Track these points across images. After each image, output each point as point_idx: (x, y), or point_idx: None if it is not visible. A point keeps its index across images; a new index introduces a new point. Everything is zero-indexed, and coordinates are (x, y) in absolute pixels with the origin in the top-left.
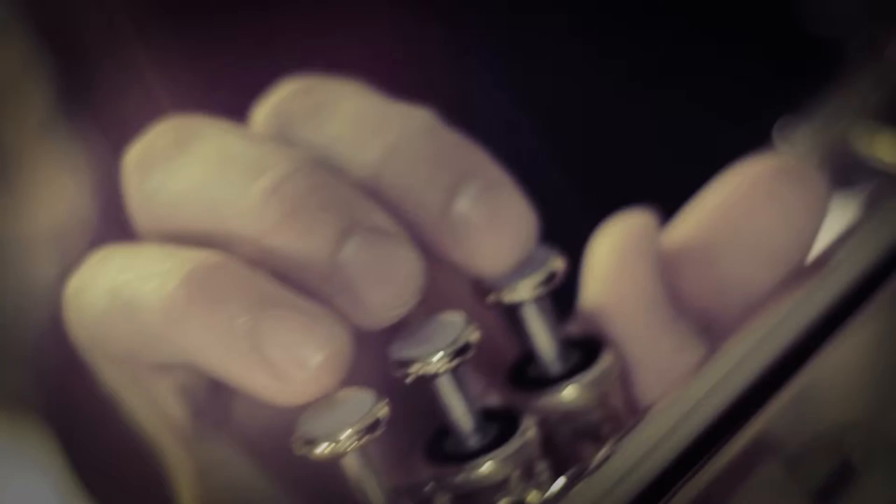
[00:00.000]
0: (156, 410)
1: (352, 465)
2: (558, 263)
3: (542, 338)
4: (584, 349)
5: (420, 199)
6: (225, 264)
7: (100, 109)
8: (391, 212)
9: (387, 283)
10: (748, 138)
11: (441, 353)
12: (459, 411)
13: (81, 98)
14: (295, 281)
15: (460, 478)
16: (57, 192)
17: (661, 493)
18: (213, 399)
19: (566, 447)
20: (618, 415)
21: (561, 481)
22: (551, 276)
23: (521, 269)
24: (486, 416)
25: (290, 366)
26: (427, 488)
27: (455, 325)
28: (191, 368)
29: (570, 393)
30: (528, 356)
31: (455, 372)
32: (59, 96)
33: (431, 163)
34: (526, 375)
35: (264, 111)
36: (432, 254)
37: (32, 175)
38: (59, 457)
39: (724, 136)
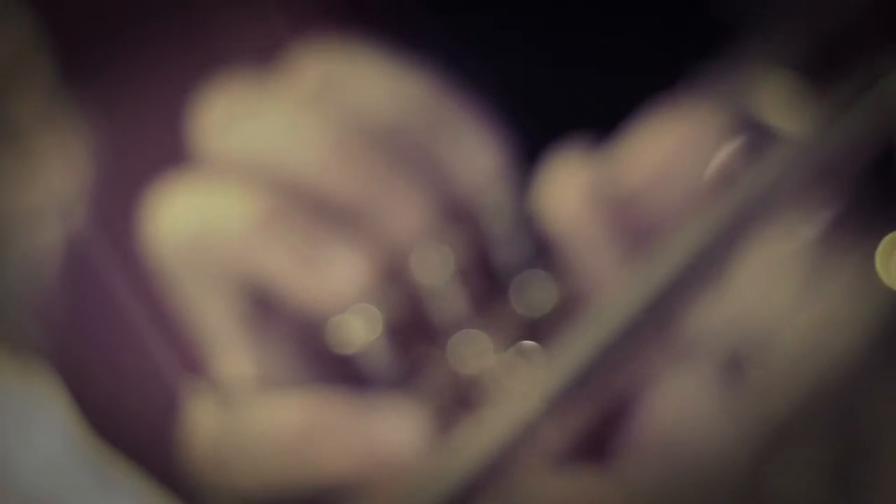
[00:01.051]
0: (218, 317)
1: (375, 349)
2: None
3: None
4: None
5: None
6: (286, 203)
7: (102, 81)
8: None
9: (411, 214)
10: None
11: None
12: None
13: (84, 70)
14: (340, 212)
15: (449, 348)
16: (61, 161)
17: None
18: (266, 310)
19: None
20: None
21: None
22: None
23: None
24: None
25: (330, 281)
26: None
27: None
28: (259, 284)
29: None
30: None
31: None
32: (63, 68)
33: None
34: None
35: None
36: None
37: (38, 145)
38: (68, 403)
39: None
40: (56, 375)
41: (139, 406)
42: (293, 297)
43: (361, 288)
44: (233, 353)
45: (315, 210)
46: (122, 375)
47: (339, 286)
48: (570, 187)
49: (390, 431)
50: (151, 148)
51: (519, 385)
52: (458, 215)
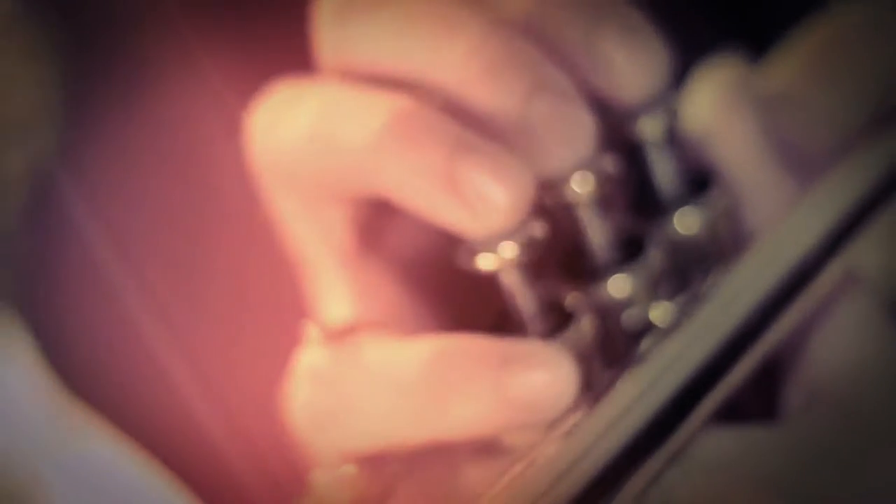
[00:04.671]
0: (324, 236)
1: (508, 278)
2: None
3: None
4: (695, 184)
5: (565, 35)
6: (423, 109)
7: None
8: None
9: (567, 140)
10: None
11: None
12: (598, 236)
13: None
14: (484, 130)
15: (597, 292)
16: (25, 83)
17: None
18: (379, 225)
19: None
20: (728, 245)
21: (682, 299)
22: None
23: None
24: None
25: (480, 203)
26: (568, 303)
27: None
28: (378, 199)
29: (687, 220)
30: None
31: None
32: None
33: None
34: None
35: None
36: None
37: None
38: (36, 350)
39: None
40: (23, 322)
41: (109, 354)
42: (429, 220)
43: (507, 217)
44: (342, 289)
45: (456, 124)
46: (91, 322)
47: (483, 214)
48: (723, 97)
49: (530, 381)
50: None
51: (676, 332)
52: (614, 142)
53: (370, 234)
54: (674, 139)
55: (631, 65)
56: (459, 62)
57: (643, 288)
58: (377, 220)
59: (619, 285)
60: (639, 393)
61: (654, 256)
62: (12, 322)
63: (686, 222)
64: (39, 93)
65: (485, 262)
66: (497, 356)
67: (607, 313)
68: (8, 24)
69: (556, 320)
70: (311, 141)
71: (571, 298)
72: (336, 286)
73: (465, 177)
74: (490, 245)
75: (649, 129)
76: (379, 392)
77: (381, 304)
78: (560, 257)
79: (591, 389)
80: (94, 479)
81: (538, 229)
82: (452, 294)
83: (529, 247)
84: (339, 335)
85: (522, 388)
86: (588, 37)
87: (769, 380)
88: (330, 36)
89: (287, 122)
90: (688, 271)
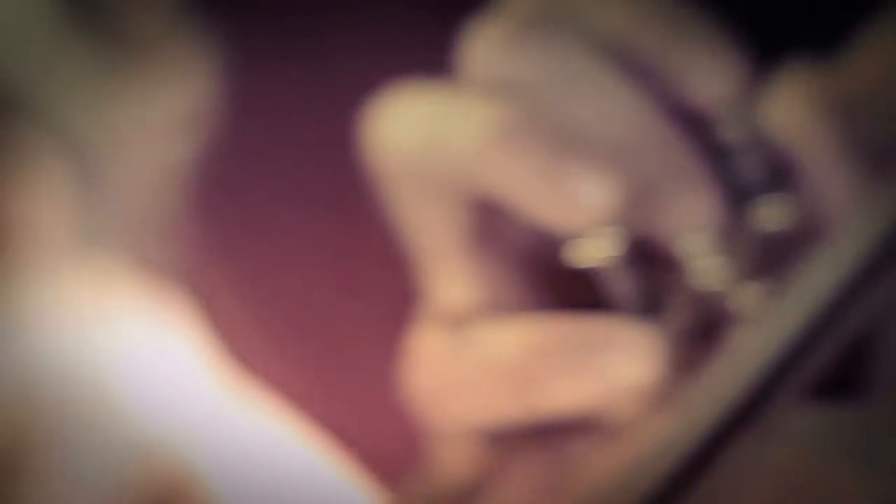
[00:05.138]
0: (439, 228)
1: (606, 267)
2: None
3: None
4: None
5: (645, 47)
6: (528, 116)
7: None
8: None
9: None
10: None
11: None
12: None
13: None
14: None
15: (695, 282)
16: (187, 79)
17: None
18: (492, 218)
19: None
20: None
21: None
22: None
23: None
24: None
25: (578, 202)
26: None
27: None
28: (489, 202)
29: (770, 214)
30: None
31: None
32: None
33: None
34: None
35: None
36: None
37: (163, 61)
38: (203, 326)
39: None
40: (190, 298)
41: (279, 330)
42: (532, 217)
43: (607, 211)
44: (456, 276)
45: (560, 126)
46: (260, 298)
47: (584, 208)
48: (800, 99)
49: (626, 360)
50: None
51: (764, 315)
52: (697, 139)
53: (488, 225)
54: (755, 140)
55: (710, 68)
56: (555, 71)
57: (735, 273)
58: (493, 213)
59: (712, 271)
60: (733, 371)
61: (744, 245)
62: (179, 298)
63: (769, 217)
64: (203, 84)
65: (581, 254)
66: (595, 335)
67: (702, 298)
68: (174, 17)
69: (655, 304)
70: (426, 146)
71: (667, 284)
72: (454, 274)
73: (567, 174)
74: (586, 238)
75: (731, 130)
76: (485, 370)
77: (497, 292)
78: (655, 242)
79: (689, 368)
80: (257, 457)
81: (633, 221)
82: (561, 284)
83: (623, 238)
84: (453, 317)
85: (616, 371)
86: (667, 46)
87: (857, 358)
88: (489, 57)
89: (406, 127)
90: (773, 263)
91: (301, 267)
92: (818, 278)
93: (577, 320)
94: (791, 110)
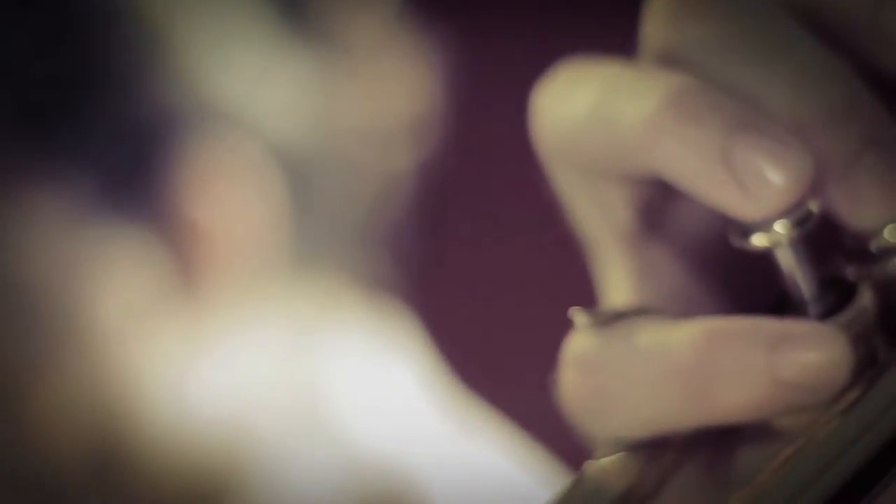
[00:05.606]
0: (605, 215)
1: (784, 257)
2: None
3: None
4: None
5: (850, 15)
6: (703, 88)
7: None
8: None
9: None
10: None
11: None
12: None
13: None
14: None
15: (885, 271)
16: (407, 84)
17: None
18: (658, 207)
19: None
20: None
21: None
22: None
23: None
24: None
25: (756, 184)
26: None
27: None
28: (657, 179)
29: None
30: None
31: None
32: None
33: None
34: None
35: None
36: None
37: (381, 67)
38: (426, 344)
39: None
40: (413, 315)
41: (506, 351)
42: (706, 200)
43: (782, 200)
44: (619, 271)
45: (736, 103)
46: (485, 320)
47: (757, 195)
48: None
49: (801, 362)
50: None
51: None
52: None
53: (652, 214)
54: None
55: None
56: (802, 103)
57: None
58: (659, 200)
59: None
60: None
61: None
62: (401, 316)
63: None
64: (427, 88)
65: (758, 241)
66: (767, 337)
67: (890, 290)
68: (394, 21)
69: (838, 298)
70: (590, 119)
71: (853, 275)
72: (617, 267)
73: (741, 156)
74: (764, 225)
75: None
76: (648, 376)
77: (662, 286)
78: (837, 237)
79: (872, 368)
80: (475, 478)
81: (814, 207)
82: (734, 275)
83: (804, 226)
84: (609, 320)
85: (793, 370)
86: (874, 14)
87: None
88: (659, 31)
89: (569, 101)
90: None
91: (527, 281)
92: None
93: (748, 318)
94: None
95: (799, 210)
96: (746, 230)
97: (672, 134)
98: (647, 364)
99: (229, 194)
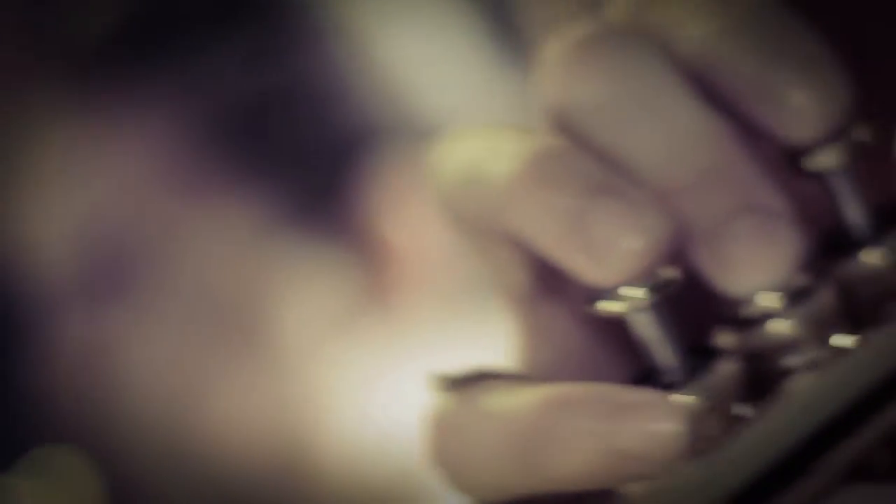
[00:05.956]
0: (497, 274)
1: (640, 323)
2: None
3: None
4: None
5: (737, 70)
6: (565, 151)
7: None
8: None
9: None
10: None
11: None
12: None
13: None
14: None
15: (754, 337)
16: None
17: None
18: (555, 268)
19: (866, 310)
20: None
21: (852, 339)
22: None
23: None
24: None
25: (606, 249)
26: (718, 349)
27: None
28: (520, 242)
29: (874, 256)
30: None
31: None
32: None
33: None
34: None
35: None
36: None
37: None
38: None
39: None
40: None
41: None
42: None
43: (633, 267)
44: (512, 330)
45: (598, 166)
46: None
47: (611, 262)
48: None
49: (637, 433)
50: None
51: (821, 386)
52: (781, 183)
53: (549, 275)
54: (854, 172)
55: (807, 103)
56: (674, 166)
57: (806, 330)
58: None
59: (777, 328)
60: (764, 441)
61: (824, 296)
62: None
63: (870, 258)
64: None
65: (606, 307)
66: (606, 405)
67: (760, 356)
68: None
69: (696, 366)
70: (463, 177)
71: (722, 342)
72: (511, 326)
73: (594, 221)
74: (614, 291)
75: (826, 162)
76: (489, 440)
77: (556, 348)
78: (700, 302)
79: (711, 440)
80: None
81: (673, 273)
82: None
83: (660, 292)
84: (465, 383)
85: (628, 440)
86: (761, 72)
87: None
88: (546, 86)
89: (451, 158)
90: (867, 308)
91: None
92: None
93: (592, 385)
94: None
95: (655, 276)
96: (596, 296)
97: (529, 196)
98: (490, 427)
99: (422, 212)
